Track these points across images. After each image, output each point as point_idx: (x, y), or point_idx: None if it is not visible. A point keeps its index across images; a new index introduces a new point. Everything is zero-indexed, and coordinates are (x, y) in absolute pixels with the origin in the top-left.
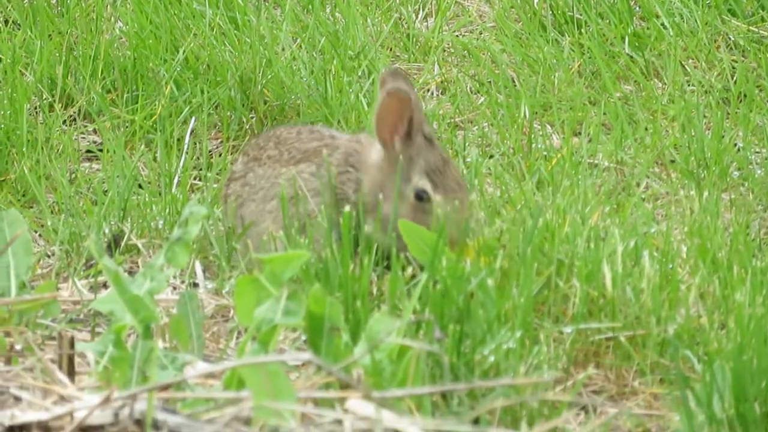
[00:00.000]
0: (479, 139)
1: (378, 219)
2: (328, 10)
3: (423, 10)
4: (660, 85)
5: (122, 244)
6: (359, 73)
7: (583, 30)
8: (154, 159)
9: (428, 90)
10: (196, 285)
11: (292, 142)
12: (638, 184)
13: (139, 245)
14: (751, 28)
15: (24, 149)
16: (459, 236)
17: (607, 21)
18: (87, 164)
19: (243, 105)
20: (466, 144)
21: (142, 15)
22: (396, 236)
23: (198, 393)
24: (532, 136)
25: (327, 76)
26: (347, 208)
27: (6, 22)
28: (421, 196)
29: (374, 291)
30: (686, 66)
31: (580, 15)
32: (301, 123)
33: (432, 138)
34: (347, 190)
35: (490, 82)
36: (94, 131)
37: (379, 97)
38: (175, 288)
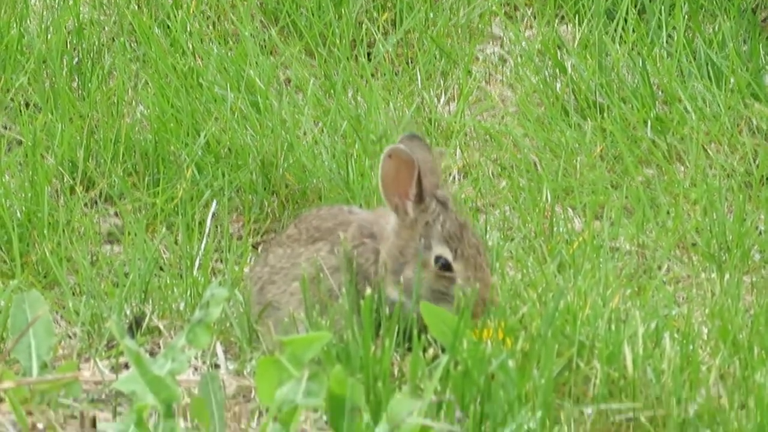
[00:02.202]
0: (501, 222)
1: (400, 283)
2: (350, 95)
3: (445, 95)
4: (682, 168)
5: (144, 325)
6: (381, 158)
7: (605, 114)
8: (176, 242)
9: (450, 174)
10: (217, 366)
11: (310, 220)
12: (659, 267)
13: (161, 326)
14: None
15: (45, 231)
16: (481, 305)
17: (630, 105)
18: (108, 247)
19: (264, 188)
20: (488, 227)
21: (163, 99)
22: (418, 316)
23: None
24: (554, 219)
25: (349, 160)
26: (368, 290)
27: (27, 105)
28: (442, 264)
29: (395, 372)
30: (708, 150)
31: (603, 99)
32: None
33: (446, 201)
34: (364, 262)
35: (512, 166)
36: (116, 214)
37: (381, 159)
38: (196, 369)
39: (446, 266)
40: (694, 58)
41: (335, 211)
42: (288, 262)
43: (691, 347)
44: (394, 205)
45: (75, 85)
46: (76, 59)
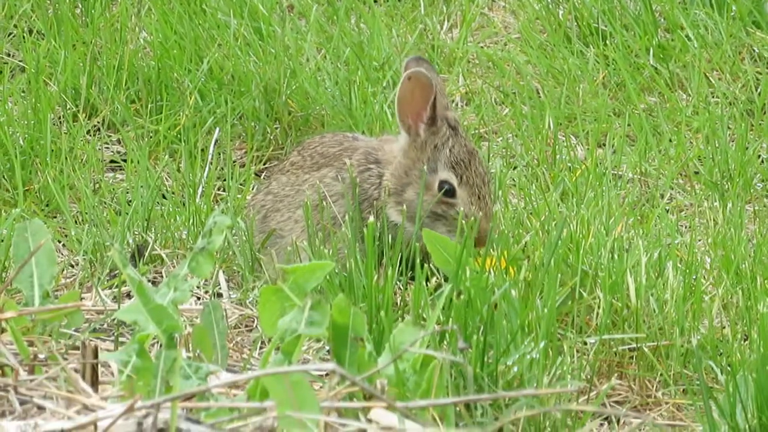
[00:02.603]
0: (504, 150)
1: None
2: (353, 21)
3: (448, 21)
4: (684, 96)
5: (146, 254)
6: (384, 84)
7: (608, 41)
8: (178, 169)
9: (453, 101)
10: (219, 295)
11: (314, 147)
12: (662, 196)
13: (163, 255)
14: None
15: (48, 159)
16: (482, 235)
17: (632, 32)
18: (111, 174)
19: (267, 116)
20: (491, 155)
21: (166, 25)
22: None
23: (222, 403)
24: (557, 147)
25: (351, 87)
26: (371, 218)
27: (30, 31)
28: (445, 189)
29: (398, 301)
30: (710, 78)
31: (605, 26)
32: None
33: (457, 126)
34: (369, 187)
35: (514, 93)
36: (118, 141)
37: (400, 81)
38: (198, 298)
39: (450, 192)
40: None
41: (340, 138)
42: (292, 189)
43: (694, 277)
44: (407, 126)
45: (78, 11)
46: None
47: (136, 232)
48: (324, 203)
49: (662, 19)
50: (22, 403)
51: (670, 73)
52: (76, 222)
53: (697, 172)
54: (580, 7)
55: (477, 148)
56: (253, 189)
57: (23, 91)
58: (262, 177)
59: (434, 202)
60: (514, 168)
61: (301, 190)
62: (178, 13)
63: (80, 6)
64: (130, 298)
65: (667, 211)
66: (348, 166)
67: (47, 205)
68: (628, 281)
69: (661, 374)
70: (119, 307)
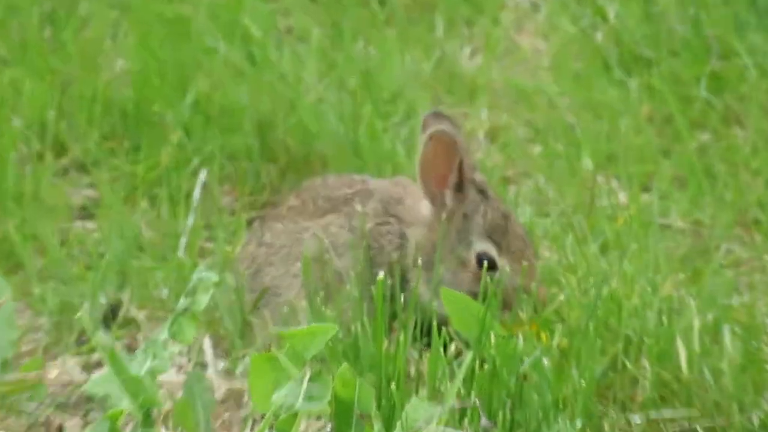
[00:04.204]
0: (534, 195)
1: (434, 283)
2: (360, 46)
3: (469, 46)
4: (741, 133)
5: (120, 316)
6: (396, 119)
7: (653, 70)
8: (158, 217)
9: (475, 138)
10: (204, 365)
11: (317, 189)
12: (717, 248)
13: (140, 317)
14: None
15: (9, 205)
16: (532, 304)
17: (681, 60)
18: (81, 223)
19: (261, 155)
20: (519, 201)
21: (146, 51)
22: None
23: None
24: (595, 191)
25: (358, 122)
26: (381, 273)
27: None
28: (484, 262)
29: (412, 372)
30: None
31: (650, 53)
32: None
33: (486, 188)
34: (387, 246)
35: (546, 129)
36: (90, 185)
37: (420, 142)
38: (180, 367)
39: (491, 264)
40: (754, 6)
41: (347, 180)
42: (289, 238)
43: (755, 343)
44: (431, 194)
45: (47, 34)
46: (49, 6)
47: (109, 291)
48: (328, 255)
49: (716, 45)
50: None
51: (725, 106)
52: (40, 278)
53: (757, 221)
54: (620, 31)
55: (511, 208)
56: (245, 240)
57: None
58: (253, 226)
59: (473, 280)
60: (547, 216)
61: (300, 239)
62: (160, 37)
63: (49, 29)
64: (101, 368)
65: (724, 267)
66: (360, 214)
67: (7, 259)
68: (679, 348)
69: None
70: (89, 378)
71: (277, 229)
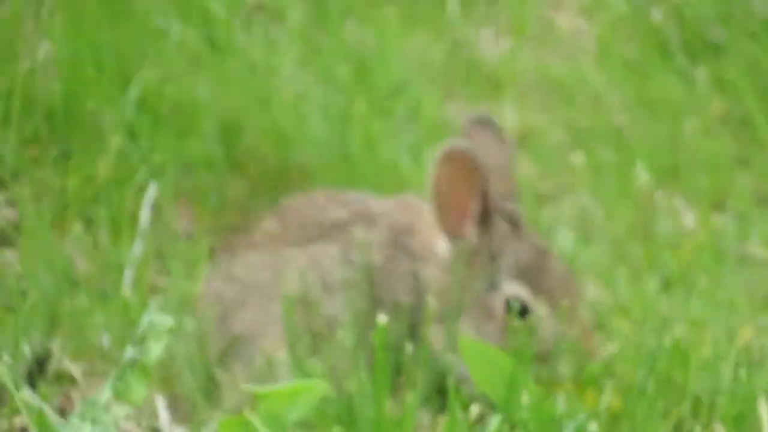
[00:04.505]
0: (576, 216)
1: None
2: (351, 27)
3: (491, 27)
4: None
5: (50, 369)
6: (398, 119)
7: (725, 57)
8: (95, 245)
9: None
10: (158, 431)
11: (302, 211)
12: None
13: (75, 372)
14: None
15: None
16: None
17: (761, 45)
18: None
19: (226, 165)
20: (557, 224)
21: (77, 33)
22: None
23: None
24: (654, 212)
25: (350, 123)
26: (382, 317)
27: None
28: (516, 309)
29: None
30: None
31: (721, 36)
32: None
33: (518, 220)
34: (398, 288)
35: (590, 132)
36: (8, 202)
37: (433, 162)
38: None
39: (523, 311)
40: None
41: (341, 199)
42: (267, 273)
43: None
44: (448, 228)
45: None
46: None
47: (35, 338)
48: (316, 294)
49: None
50: None
51: None
52: None
53: None
54: (683, 8)
55: (549, 244)
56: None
57: None
58: (218, 256)
59: (502, 332)
60: (593, 243)
61: (282, 273)
62: (96, 16)
63: None
64: None
65: None
66: (361, 243)
67: None
68: (761, 410)
69: None
70: None
71: (250, 261)
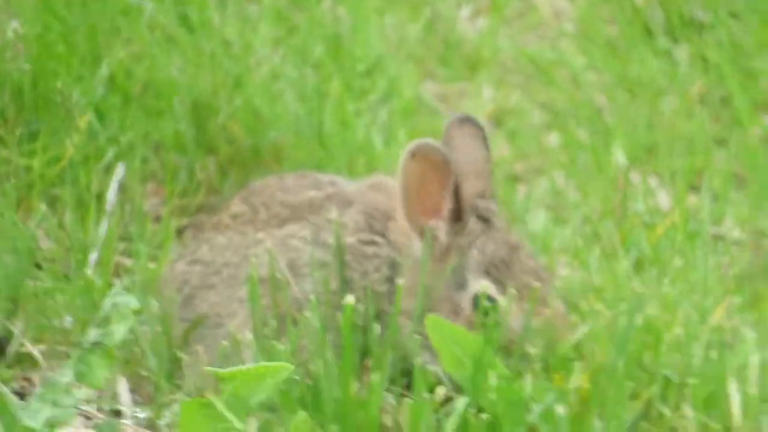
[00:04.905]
0: (551, 197)
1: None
2: (327, 4)
3: (469, 5)
4: None
5: (10, 351)
6: (373, 98)
7: (707, 36)
8: (60, 225)
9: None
10: (120, 414)
11: (271, 192)
12: None
13: (36, 354)
14: None
15: None
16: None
17: (743, 24)
18: None
19: (197, 145)
20: (531, 204)
21: (46, 10)
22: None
23: None
24: (629, 192)
25: (323, 102)
26: (350, 297)
27: None
28: (484, 306)
29: (388, 423)
30: None
31: (704, 15)
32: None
33: (490, 216)
34: (373, 273)
35: (568, 112)
36: None
37: (401, 161)
38: (88, 418)
39: (492, 307)
40: None
41: (312, 181)
42: (234, 255)
43: None
44: (418, 227)
45: None
46: None
47: None
48: (285, 276)
49: None
50: None
51: None
52: None
53: None
54: None
55: (521, 239)
56: (175, 255)
57: None
58: (186, 237)
59: (470, 329)
60: (566, 224)
61: (249, 255)
62: None
63: None
64: None
65: None
66: (335, 223)
67: None
68: (732, 392)
69: None
70: None
71: (218, 243)
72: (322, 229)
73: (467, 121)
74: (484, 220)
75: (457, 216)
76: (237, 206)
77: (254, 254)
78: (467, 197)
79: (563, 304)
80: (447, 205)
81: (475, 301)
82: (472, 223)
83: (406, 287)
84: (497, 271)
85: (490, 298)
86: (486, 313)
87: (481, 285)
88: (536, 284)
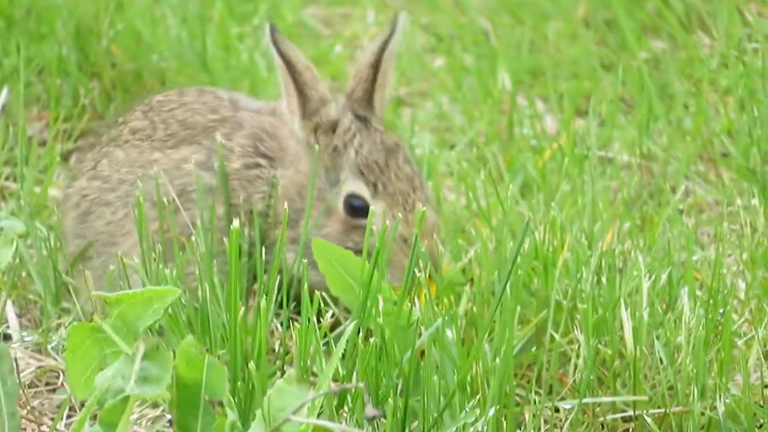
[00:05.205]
0: (435, 120)
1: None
2: None
3: None
4: (707, 41)
5: None
6: (255, 22)
7: None
8: None
9: (358, 47)
10: (7, 337)
11: (172, 110)
12: (674, 189)
13: None
14: None
15: None
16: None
17: None
18: None
19: (80, 69)
20: (416, 128)
21: None
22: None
23: None
24: (515, 116)
25: (206, 26)
26: (236, 222)
27: None
28: (355, 207)
29: (276, 347)
30: (745, 13)
31: None
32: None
33: (368, 118)
34: (253, 194)
35: (452, 36)
36: None
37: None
38: None
39: (361, 210)
40: None
41: (211, 100)
42: (131, 171)
43: (721, 311)
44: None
45: None
46: None
47: None
48: (174, 200)
49: None
50: None
51: (686, 6)
52: None
53: (725, 154)
54: None
55: (401, 141)
56: (58, 179)
57: None
58: (73, 161)
59: (342, 232)
60: (451, 148)
61: (148, 174)
62: None
63: None
64: None
65: (682, 212)
66: (218, 147)
67: None
68: (623, 317)
69: None
70: None
71: (116, 157)
72: (213, 155)
73: (274, 29)
74: (361, 119)
75: (305, 112)
76: (137, 121)
77: (148, 176)
78: (318, 90)
79: (435, 213)
80: (293, 99)
81: (346, 202)
82: (347, 121)
83: (284, 191)
84: (371, 173)
85: (361, 199)
86: (354, 215)
87: (355, 186)
88: (411, 191)
